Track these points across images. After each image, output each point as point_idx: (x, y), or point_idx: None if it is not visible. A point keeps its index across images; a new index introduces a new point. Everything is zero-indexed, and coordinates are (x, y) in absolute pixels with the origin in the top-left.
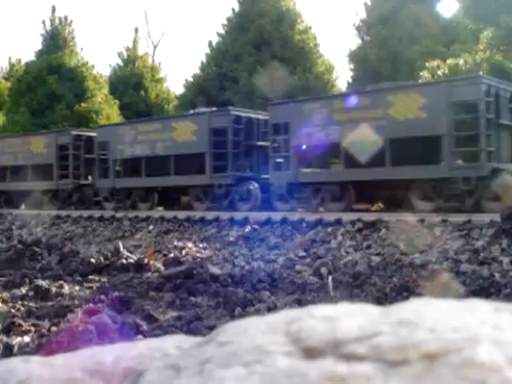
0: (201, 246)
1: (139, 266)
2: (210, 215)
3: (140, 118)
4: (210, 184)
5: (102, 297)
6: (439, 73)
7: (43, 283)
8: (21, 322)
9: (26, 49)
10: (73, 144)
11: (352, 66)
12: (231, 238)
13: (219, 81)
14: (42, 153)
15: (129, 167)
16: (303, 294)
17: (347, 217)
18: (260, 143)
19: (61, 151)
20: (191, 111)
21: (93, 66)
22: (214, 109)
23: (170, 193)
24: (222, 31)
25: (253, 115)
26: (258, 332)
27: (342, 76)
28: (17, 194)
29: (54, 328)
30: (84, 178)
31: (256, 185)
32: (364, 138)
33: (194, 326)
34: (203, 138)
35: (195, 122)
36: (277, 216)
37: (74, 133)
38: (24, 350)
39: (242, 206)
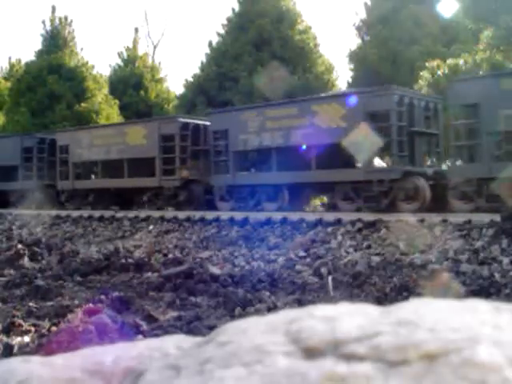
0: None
1: (139, 266)
2: (209, 215)
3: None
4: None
5: (102, 297)
6: (439, 73)
7: (43, 283)
8: (21, 321)
9: (26, 49)
10: (179, 134)
11: (352, 66)
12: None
13: (219, 81)
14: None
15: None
16: (303, 294)
17: (347, 217)
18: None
19: (164, 142)
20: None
21: (93, 66)
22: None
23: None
24: (222, 31)
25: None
26: (258, 332)
27: (342, 76)
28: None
29: (54, 328)
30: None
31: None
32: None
33: (193, 326)
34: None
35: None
36: (277, 216)
37: (182, 120)
38: (24, 350)
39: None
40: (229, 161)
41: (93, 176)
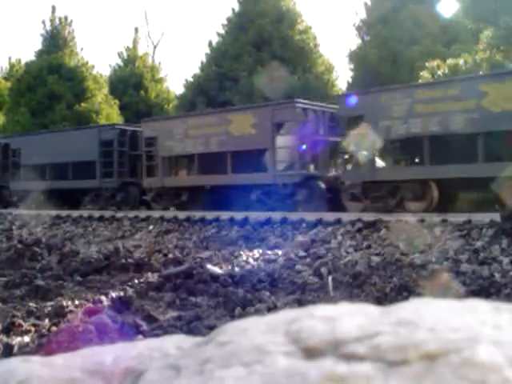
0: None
1: (139, 266)
2: (209, 215)
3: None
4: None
5: (102, 297)
6: (439, 73)
7: (43, 283)
8: (21, 321)
9: (26, 49)
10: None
11: (352, 66)
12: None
13: (219, 81)
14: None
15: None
16: (303, 294)
17: (347, 217)
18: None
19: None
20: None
21: (93, 66)
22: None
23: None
24: (222, 31)
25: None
26: (258, 332)
27: (342, 76)
28: (221, 193)
29: (54, 328)
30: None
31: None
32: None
33: (193, 325)
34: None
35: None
36: (277, 216)
37: (300, 105)
38: (24, 350)
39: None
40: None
41: (184, 171)
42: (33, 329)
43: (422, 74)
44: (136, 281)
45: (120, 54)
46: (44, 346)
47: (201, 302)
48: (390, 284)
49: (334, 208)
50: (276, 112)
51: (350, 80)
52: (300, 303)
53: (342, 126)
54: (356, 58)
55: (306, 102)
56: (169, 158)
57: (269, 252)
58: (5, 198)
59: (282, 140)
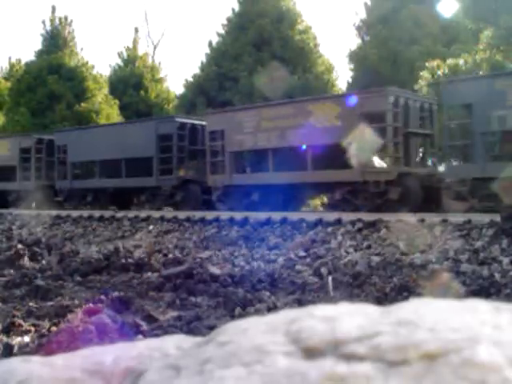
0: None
1: (139, 266)
2: (210, 215)
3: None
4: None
5: (102, 297)
6: (439, 73)
7: (43, 283)
8: (21, 321)
9: (26, 49)
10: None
11: (352, 66)
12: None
13: (219, 81)
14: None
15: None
16: (303, 294)
17: (347, 217)
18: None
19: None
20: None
21: (93, 66)
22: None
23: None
24: (222, 31)
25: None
26: (258, 332)
27: (342, 76)
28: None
29: (54, 328)
30: None
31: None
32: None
33: (193, 325)
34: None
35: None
36: (277, 216)
37: (393, 94)
38: (24, 350)
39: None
40: None
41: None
42: (33, 329)
43: (422, 74)
44: (136, 281)
45: (120, 54)
46: (44, 346)
47: (201, 302)
48: (390, 284)
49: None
50: (365, 101)
51: (350, 80)
52: (300, 303)
53: (446, 116)
54: (356, 58)
55: (397, 89)
56: (238, 154)
57: (269, 252)
58: (49, 198)
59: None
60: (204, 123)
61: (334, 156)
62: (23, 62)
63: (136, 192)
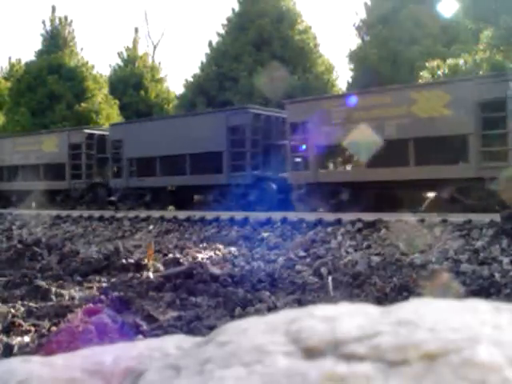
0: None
1: (139, 266)
2: (209, 215)
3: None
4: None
5: (102, 297)
6: (439, 73)
7: (43, 283)
8: (21, 321)
9: (26, 49)
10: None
11: (352, 66)
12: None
13: (219, 81)
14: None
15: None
16: (303, 294)
17: (347, 217)
18: None
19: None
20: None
21: (93, 66)
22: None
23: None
24: (222, 31)
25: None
26: (258, 332)
27: (342, 76)
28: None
29: (54, 328)
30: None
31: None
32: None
33: (193, 325)
34: None
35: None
36: (277, 216)
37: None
38: (24, 350)
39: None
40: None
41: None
42: (33, 329)
43: (422, 74)
44: (136, 281)
45: (120, 54)
46: (44, 346)
47: (201, 302)
48: (390, 284)
49: None
50: (481, 87)
51: (350, 80)
52: (300, 303)
53: None
54: (356, 58)
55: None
56: (325, 148)
57: (269, 252)
58: (101, 197)
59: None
60: (278, 114)
61: (441, 149)
62: (23, 62)
63: (201, 191)
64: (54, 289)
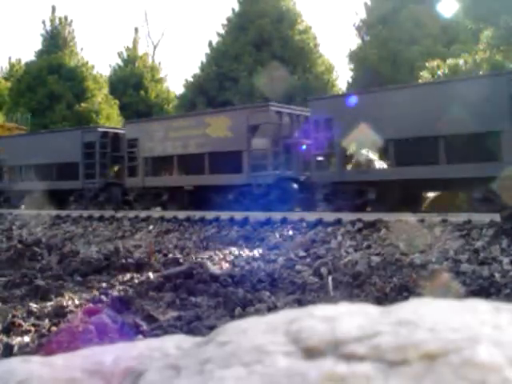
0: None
1: (139, 266)
2: (209, 215)
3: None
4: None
5: (102, 297)
6: (439, 73)
7: (43, 283)
8: (21, 322)
9: (26, 49)
10: None
11: (352, 66)
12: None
13: (219, 81)
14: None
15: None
16: (303, 294)
17: (347, 217)
18: None
19: None
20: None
21: (93, 66)
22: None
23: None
24: (222, 31)
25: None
26: (258, 332)
27: (342, 76)
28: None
29: (54, 328)
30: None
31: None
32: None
33: (193, 325)
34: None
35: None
36: (277, 216)
37: None
38: (24, 350)
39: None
40: None
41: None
42: (33, 329)
43: (422, 74)
44: (136, 281)
45: (120, 54)
46: (44, 346)
47: (201, 302)
48: (390, 284)
49: None
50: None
51: (350, 80)
52: (300, 303)
53: None
54: (356, 58)
55: None
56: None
57: (269, 252)
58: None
59: None
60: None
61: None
62: (23, 62)
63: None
64: (54, 289)
